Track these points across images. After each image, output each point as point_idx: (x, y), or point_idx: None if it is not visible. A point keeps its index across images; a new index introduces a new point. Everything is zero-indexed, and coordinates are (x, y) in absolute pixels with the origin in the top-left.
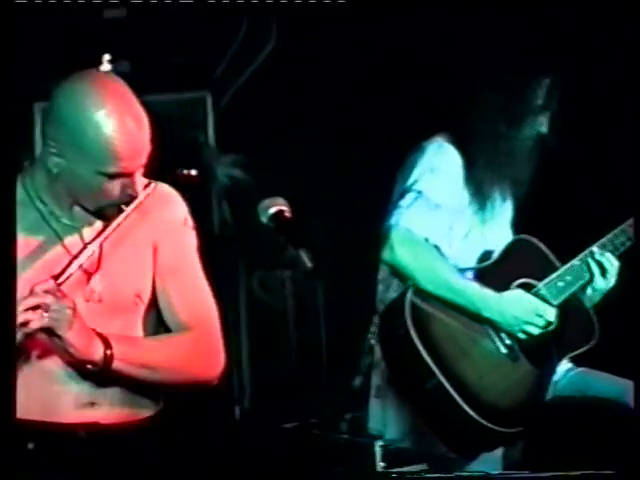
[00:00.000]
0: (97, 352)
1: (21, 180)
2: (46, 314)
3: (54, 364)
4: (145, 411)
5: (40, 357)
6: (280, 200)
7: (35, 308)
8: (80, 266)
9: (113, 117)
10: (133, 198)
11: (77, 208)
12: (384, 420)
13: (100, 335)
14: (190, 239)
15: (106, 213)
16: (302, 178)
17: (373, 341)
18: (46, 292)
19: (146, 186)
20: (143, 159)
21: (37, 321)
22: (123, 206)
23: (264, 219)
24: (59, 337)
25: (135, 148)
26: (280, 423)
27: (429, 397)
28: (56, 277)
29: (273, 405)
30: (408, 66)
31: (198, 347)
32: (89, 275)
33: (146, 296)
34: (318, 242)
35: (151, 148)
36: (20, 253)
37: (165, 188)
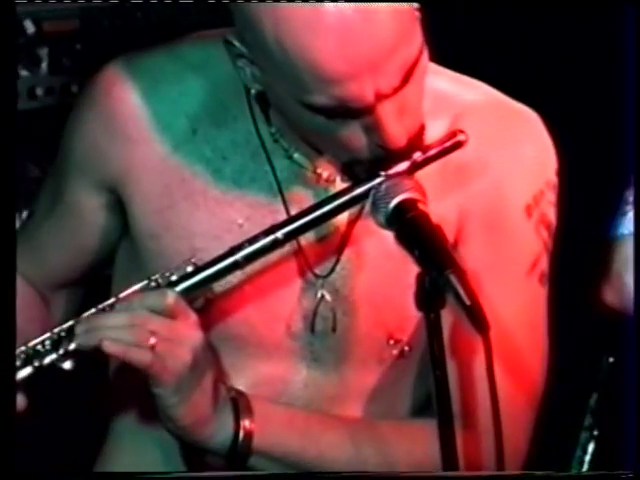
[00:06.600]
0: (219, 429)
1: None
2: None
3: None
4: None
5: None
6: (407, 182)
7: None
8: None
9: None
10: (391, 154)
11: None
12: None
13: (238, 397)
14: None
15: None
16: None
17: None
18: (154, 312)
19: (451, 137)
20: (392, 78)
21: (141, 354)
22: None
23: (380, 217)
24: (160, 395)
25: (362, 56)
26: None
27: None
28: (195, 265)
29: None
30: None
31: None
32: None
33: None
34: None
35: (416, 57)
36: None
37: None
